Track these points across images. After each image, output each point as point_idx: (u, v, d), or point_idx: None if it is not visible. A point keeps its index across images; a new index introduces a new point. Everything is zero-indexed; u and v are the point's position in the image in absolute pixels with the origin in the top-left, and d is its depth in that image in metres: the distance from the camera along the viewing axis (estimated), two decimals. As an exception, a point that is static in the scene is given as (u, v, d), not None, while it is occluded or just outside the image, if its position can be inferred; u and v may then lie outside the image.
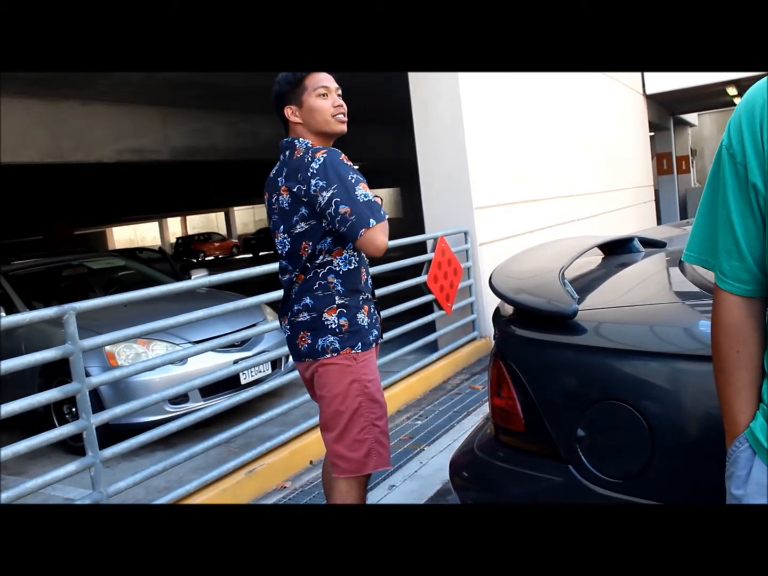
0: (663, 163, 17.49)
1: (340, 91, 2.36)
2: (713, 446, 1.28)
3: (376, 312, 2.42)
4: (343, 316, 2.27)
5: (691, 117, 20.50)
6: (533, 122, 7.74)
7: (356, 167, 2.24)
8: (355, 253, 2.32)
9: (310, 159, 2.20)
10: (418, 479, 3.67)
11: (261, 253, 29.98)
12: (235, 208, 42.15)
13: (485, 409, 2.10)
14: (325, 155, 2.19)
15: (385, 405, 2.36)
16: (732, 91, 13.46)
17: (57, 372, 4.47)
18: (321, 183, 2.16)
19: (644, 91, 13.16)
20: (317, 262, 2.28)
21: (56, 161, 9.35)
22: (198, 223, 44.37)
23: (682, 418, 1.59)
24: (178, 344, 4.72)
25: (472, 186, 6.17)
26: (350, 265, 2.30)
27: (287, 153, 2.32)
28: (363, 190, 2.17)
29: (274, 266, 4.18)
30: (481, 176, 6.36)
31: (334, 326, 2.26)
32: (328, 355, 2.27)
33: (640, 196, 12.72)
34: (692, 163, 21.32)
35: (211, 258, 33.09)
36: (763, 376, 1.16)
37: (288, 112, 2.32)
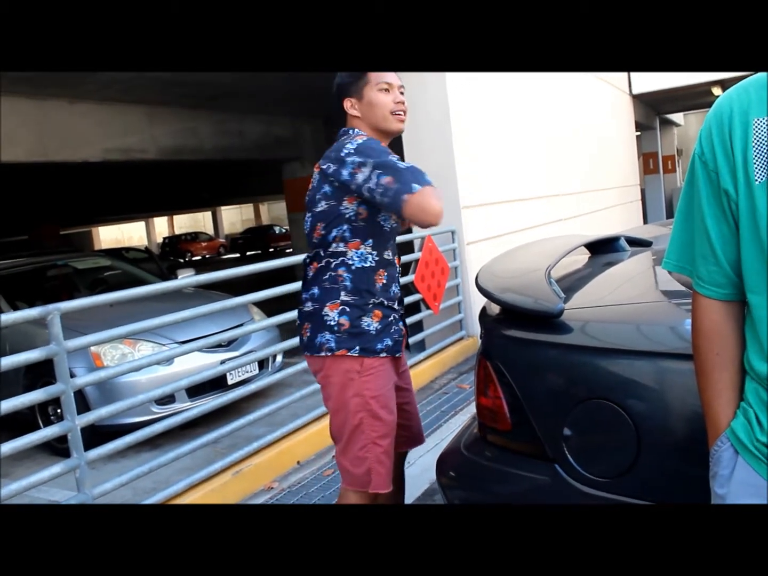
0: (649, 162, 17.59)
1: (403, 89, 2.26)
2: (699, 444, 1.28)
3: (396, 322, 2.26)
4: (344, 315, 2.14)
5: (677, 117, 20.62)
6: (520, 122, 7.76)
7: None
8: (374, 252, 2.19)
9: (347, 141, 2.13)
10: (406, 479, 3.66)
11: (248, 253, 29.92)
12: (223, 208, 42.02)
13: (473, 408, 2.09)
14: (364, 138, 2.13)
15: (391, 423, 2.20)
16: (717, 91, 13.54)
17: (42, 373, 4.43)
18: (358, 159, 2.06)
19: (630, 90, 13.23)
20: (330, 250, 2.18)
21: (42, 160, 9.26)
22: (185, 222, 44.21)
23: (667, 416, 1.60)
24: (164, 344, 4.70)
25: (460, 185, 6.17)
26: (365, 262, 2.17)
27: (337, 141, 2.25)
28: (398, 162, 2.05)
29: (261, 266, 4.19)
30: (468, 176, 6.37)
31: (332, 323, 2.14)
32: (324, 353, 2.16)
33: (626, 195, 12.78)
34: (678, 162, 21.44)
35: (198, 258, 32.96)
36: (744, 376, 1.17)
37: (347, 104, 2.24)
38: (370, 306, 2.18)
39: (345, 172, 2.08)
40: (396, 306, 2.27)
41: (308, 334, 2.21)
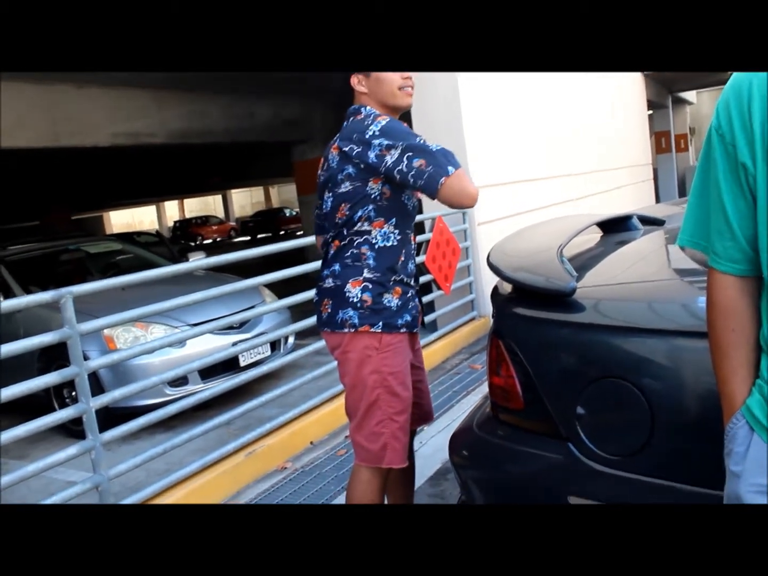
0: (661, 141, 17.42)
1: None
2: (713, 423, 1.28)
3: (413, 298, 2.29)
4: (367, 291, 2.16)
5: (690, 95, 20.38)
6: (531, 101, 7.70)
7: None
8: (396, 231, 2.21)
9: (370, 122, 2.11)
10: (418, 459, 3.66)
11: (259, 236, 29.95)
12: (233, 191, 41.99)
13: (485, 388, 2.10)
14: (386, 120, 2.11)
15: (407, 399, 2.23)
16: (731, 68, 13.37)
17: (56, 356, 4.47)
18: (386, 142, 2.06)
19: (642, 68, 13.06)
20: (355, 229, 2.18)
21: (52, 145, 9.28)
22: (195, 206, 44.27)
23: (681, 395, 1.59)
24: (176, 327, 4.72)
25: (470, 165, 6.14)
26: (388, 241, 2.19)
27: (350, 119, 2.23)
28: (434, 144, 2.07)
29: (272, 248, 4.19)
30: (478, 155, 6.34)
31: (355, 300, 2.16)
32: (347, 329, 2.17)
33: (638, 174, 12.67)
34: (690, 141, 21.24)
35: (209, 241, 33.04)
36: (759, 352, 1.16)
37: (354, 81, 2.22)
38: (391, 283, 2.20)
39: (372, 155, 2.07)
40: (412, 282, 2.30)
41: (329, 311, 2.22)
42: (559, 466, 1.74)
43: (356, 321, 2.16)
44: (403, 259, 2.25)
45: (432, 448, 3.79)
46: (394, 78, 2.20)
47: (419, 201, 2.41)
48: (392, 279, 2.21)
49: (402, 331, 2.22)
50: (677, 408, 1.58)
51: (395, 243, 2.21)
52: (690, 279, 1.83)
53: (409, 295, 2.27)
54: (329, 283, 2.23)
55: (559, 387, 1.76)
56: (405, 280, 2.25)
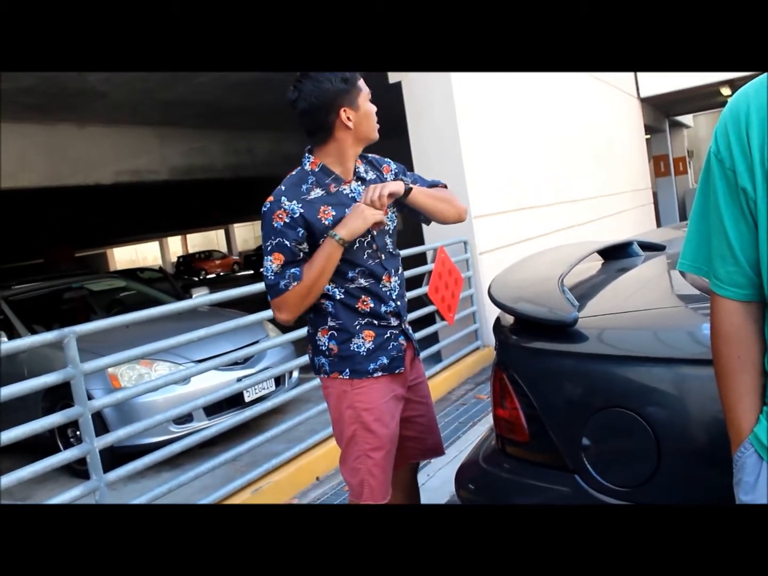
0: (660, 165, 17.49)
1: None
2: (720, 451, 1.26)
3: (394, 338, 2.19)
4: (333, 340, 2.14)
5: (687, 119, 20.53)
6: (529, 129, 7.75)
7: (286, 221, 2.06)
8: (349, 285, 2.13)
9: (268, 198, 2.14)
10: (426, 492, 3.64)
11: (262, 270, 30.00)
12: (235, 225, 42.22)
13: (491, 419, 2.08)
14: (266, 206, 2.11)
15: (385, 437, 2.14)
16: (726, 91, 13.48)
17: (61, 396, 4.46)
18: (262, 230, 2.16)
19: (638, 94, 13.19)
20: None
21: (55, 185, 9.37)
22: (198, 241, 44.42)
23: (687, 423, 1.58)
24: (180, 364, 4.71)
25: (470, 195, 6.17)
26: (343, 295, 2.13)
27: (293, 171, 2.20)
28: (269, 263, 2.10)
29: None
30: (478, 185, 6.36)
31: (323, 348, 2.16)
32: (322, 375, 2.19)
33: (638, 199, 12.72)
34: (689, 164, 21.34)
35: (213, 276, 33.11)
36: (766, 379, 1.16)
37: (343, 115, 2.07)
38: (358, 327, 2.14)
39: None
40: (393, 322, 2.20)
41: (310, 355, 2.26)
42: (566, 498, 1.72)
43: (327, 368, 2.17)
44: (371, 305, 2.15)
45: (440, 480, 3.76)
46: (373, 111, 2.15)
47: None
48: (357, 323, 2.14)
49: (376, 375, 2.14)
50: (684, 437, 1.57)
51: (353, 293, 2.14)
52: (693, 305, 1.83)
53: (387, 335, 2.18)
54: (307, 329, 2.25)
55: (564, 418, 1.75)
56: (378, 322, 2.16)
